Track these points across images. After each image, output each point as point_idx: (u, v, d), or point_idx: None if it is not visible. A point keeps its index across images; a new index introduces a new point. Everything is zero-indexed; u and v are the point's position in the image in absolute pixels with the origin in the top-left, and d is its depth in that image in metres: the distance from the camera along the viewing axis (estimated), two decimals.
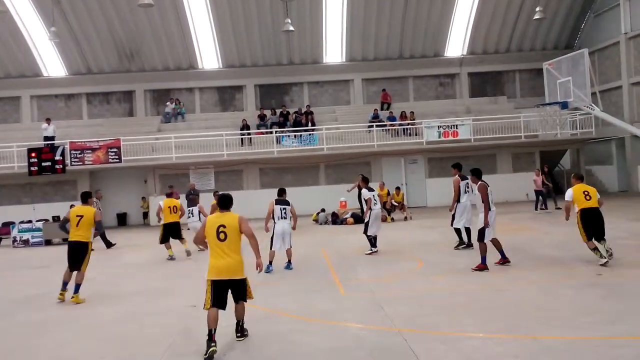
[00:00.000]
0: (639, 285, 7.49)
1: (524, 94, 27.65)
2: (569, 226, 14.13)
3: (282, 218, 10.02)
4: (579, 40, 26.95)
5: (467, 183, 11.03)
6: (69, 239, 8.46)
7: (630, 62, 23.52)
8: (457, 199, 11.11)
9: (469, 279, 8.56)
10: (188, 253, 12.31)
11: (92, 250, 8.63)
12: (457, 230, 11.37)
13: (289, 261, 10.20)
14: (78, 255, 8.29)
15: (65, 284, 8.34)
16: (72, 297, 8.18)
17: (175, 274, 10.56)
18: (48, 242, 16.95)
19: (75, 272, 8.34)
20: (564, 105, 14.46)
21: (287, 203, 10.17)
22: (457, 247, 11.36)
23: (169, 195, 13.13)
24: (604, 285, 7.58)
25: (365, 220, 11.39)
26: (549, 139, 21.77)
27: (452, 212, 11.28)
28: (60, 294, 8.28)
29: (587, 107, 14.00)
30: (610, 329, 5.71)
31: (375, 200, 11.40)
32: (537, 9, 23.06)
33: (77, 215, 8.39)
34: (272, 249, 9.96)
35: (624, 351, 5.11)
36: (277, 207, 10.03)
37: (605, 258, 8.68)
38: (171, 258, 12.11)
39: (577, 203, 9.00)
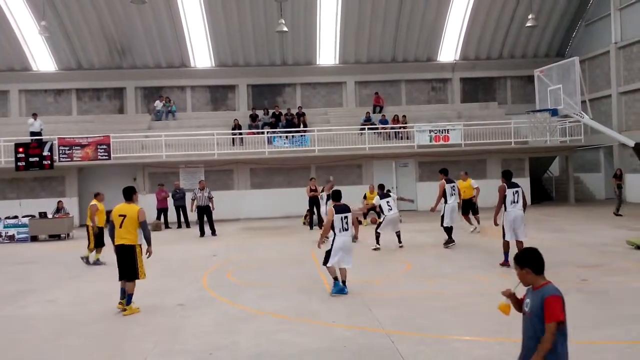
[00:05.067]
0: (622, 292, 7.60)
1: (515, 100, 27.87)
2: (555, 232, 14.37)
3: (343, 230, 8.00)
4: (570, 49, 27.25)
5: (453, 186, 12.34)
6: (114, 243, 7.44)
7: (620, 71, 23.82)
8: (445, 200, 12.08)
9: (456, 282, 8.63)
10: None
11: (149, 252, 7.47)
12: (447, 229, 12.12)
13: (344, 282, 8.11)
14: (127, 260, 7.32)
15: (123, 290, 7.42)
16: (119, 304, 7.41)
17: (165, 273, 10.47)
18: (34, 239, 16.81)
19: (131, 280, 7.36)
20: (554, 113, 14.63)
21: (348, 209, 8.16)
22: (446, 245, 12.03)
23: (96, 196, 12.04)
24: (589, 291, 7.67)
25: (379, 221, 12.67)
26: (539, 145, 21.95)
27: (441, 214, 12.23)
28: (120, 302, 7.41)
29: (577, 114, 14.19)
30: (593, 333, 5.78)
31: (389, 206, 12.30)
32: (530, 16, 23.28)
33: (120, 215, 7.38)
34: (330, 264, 8.00)
35: (606, 355, 5.19)
36: (338, 217, 7.92)
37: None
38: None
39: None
